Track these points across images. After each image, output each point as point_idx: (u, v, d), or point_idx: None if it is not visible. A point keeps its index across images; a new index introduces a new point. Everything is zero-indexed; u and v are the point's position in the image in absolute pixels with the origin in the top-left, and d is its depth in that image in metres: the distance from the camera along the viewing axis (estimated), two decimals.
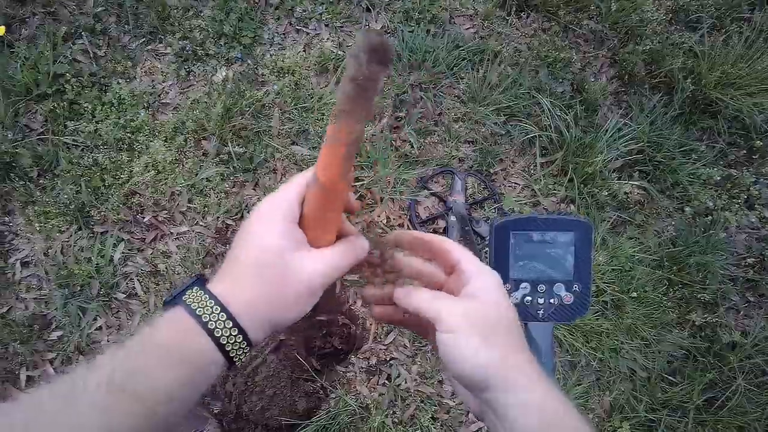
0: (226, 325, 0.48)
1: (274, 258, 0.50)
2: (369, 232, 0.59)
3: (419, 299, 0.55)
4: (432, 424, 1.89)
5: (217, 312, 0.48)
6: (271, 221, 0.52)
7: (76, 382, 0.43)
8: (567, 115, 2.27)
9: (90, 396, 0.42)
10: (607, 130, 2.28)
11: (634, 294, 2.14)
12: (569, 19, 2.44)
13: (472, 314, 0.51)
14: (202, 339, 0.47)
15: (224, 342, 0.48)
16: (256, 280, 0.50)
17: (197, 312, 0.47)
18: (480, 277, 0.55)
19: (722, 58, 2.40)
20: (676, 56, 2.44)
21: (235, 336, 0.48)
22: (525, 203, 2.22)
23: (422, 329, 0.61)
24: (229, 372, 0.52)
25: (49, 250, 1.94)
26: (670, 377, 2.12)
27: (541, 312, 0.83)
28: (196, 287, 0.50)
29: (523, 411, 0.48)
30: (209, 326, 0.47)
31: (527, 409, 0.49)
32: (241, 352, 0.49)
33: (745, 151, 2.45)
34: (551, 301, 0.83)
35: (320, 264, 0.52)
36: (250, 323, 0.49)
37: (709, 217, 2.32)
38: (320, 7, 2.32)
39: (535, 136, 2.28)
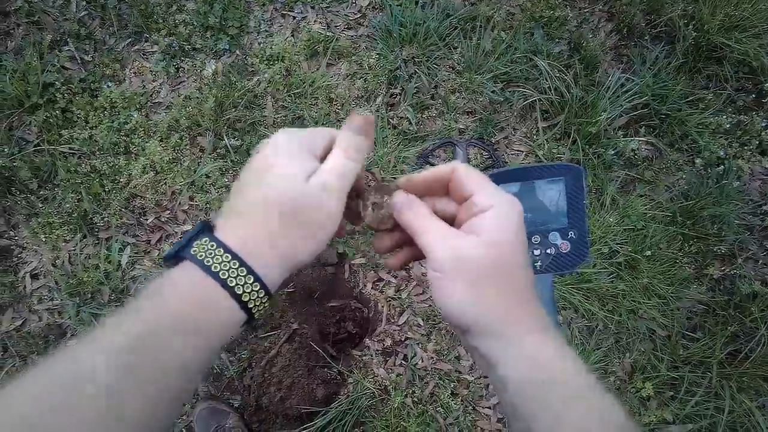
0: (247, 281, 0.43)
1: (295, 195, 0.45)
2: (372, 180, 0.55)
3: (416, 219, 0.49)
4: (452, 400, 1.89)
5: (236, 267, 0.43)
6: (287, 152, 0.47)
7: (80, 366, 0.39)
8: (566, 75, 2.21)
9: (97, 382, 0.38)
10: (608, 87, 2.21)
11: (648, 252, 2.09)
12: None
13: (464, 255, 0.45)
14: (222, 300, 0.43)
15: (246, 299, 0.43)
16: (275, 219, 0.45)
17: (213, 268, 0.43)
18: (493, 210, 0.47)
19: (724, 1, 2.31)
20: (676, 3, 2.35)
21: (257, 291, 0.44)
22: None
23: None
24: (248, 325, 0.48)
25: (57, 261, 1.95)
26: (690, 334, 2.09)
27: (539, 264, 0.80)
28: (203, 237, 0.45)
29: (513, 362, 0.45)
30: (230, 283, 0.43)
31: (517, 361, 0.45)
32: (261, 305, 0.45)
33: (754, 96, 2.36)
34: (548, 251, 0.80)
35: (336, 191, 0.47)
36: (269, 267, 0.45)
37: (721, 167, 2.25)
38: None
39: (535, 100, 2.22)
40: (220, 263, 0.43)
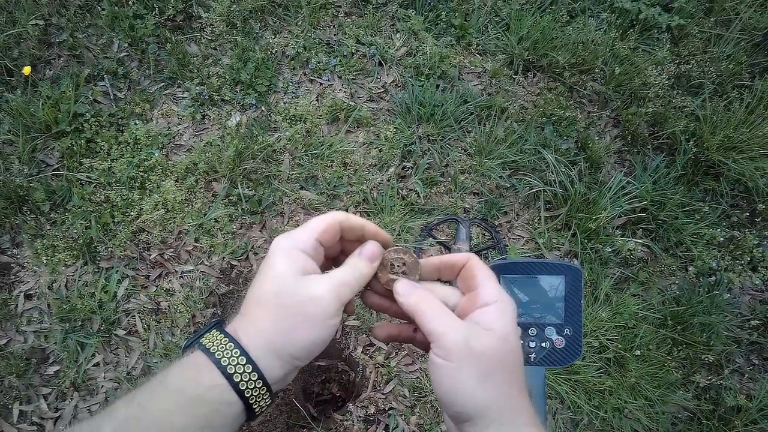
0: (240, 361, 0.45)
1: (280, 285, 0.48)
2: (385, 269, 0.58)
3: (422, 303, 0.50)
4: None
5: (231, 348, 0.46)
6: (280, 252, 0.50)
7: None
8: (571, 171, 2.32)
9: None
10: (610, 188, 2.31)
11: (638, 352, 2.11)
12: (574, 81, 2.52)
13: (477, 345, 0.46)
14: (213, 374, 0.45)
15: (238, 379, 0.45)
16: (263, 310, 0.48)
17: (210, 350, 0.46)
18: (496, 305, 0.49)
19: (724, 123, 2.46)
20: (679, 119, 2.50)
21: (249, 373, 0.46)
22: (529, 256, 2.23)
23: (416, 340, 0.57)
24: (250, 418, 0.49)
25: (54, 284, 1.95)
26: None
27: (533, 356, 0.83)
28: (214, 329, 0.49)
29: None
30: (222, 362, 0.45)
31: None
32: (256, 391, 0.46)
33: (747, 214, 2.47)
34: (543, 344, 0.83)
35: (327, 282, 0.49)
36: (264, 356, 0.47)
37: (713, 278, 2.31)
38: (334, 60, 2.41)
39: (540, 190, 2.31)
40: (218, 345, 0.47)
